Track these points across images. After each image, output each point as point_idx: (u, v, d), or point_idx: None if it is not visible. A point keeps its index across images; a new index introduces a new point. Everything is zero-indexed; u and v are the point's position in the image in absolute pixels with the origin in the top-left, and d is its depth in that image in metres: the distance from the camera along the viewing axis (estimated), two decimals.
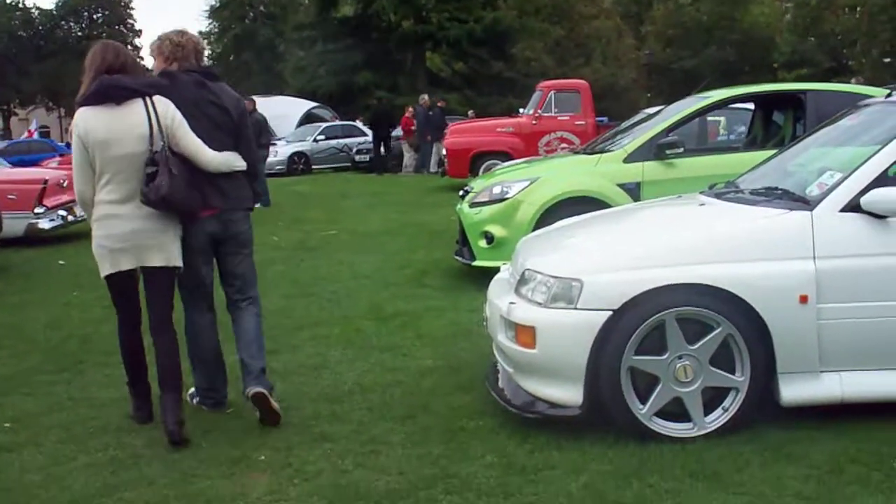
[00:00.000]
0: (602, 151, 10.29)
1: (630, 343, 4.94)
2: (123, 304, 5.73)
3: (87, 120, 5.38)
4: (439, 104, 30.25)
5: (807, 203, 5.23)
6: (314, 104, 42.94)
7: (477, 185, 10.73)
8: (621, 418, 5.01)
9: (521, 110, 24.65)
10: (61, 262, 7.29)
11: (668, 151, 9.57)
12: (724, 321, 4.94)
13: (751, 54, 60.85)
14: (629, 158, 9.71)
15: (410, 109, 29.81)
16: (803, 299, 4.95)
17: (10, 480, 4.97)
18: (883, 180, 5.11)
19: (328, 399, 6.06)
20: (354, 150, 32.83)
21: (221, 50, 72.75)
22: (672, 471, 4.64)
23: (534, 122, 21.70)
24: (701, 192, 6.35)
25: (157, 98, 5.44)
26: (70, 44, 62.69)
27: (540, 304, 5.19)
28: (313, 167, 32.87)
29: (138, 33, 76.31)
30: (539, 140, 21.37)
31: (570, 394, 5.07)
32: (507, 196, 9.84)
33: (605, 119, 27.00)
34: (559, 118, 21.75)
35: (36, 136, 43.10)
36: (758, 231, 5.20)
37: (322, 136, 34.50)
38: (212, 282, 5.92)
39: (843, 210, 5.09)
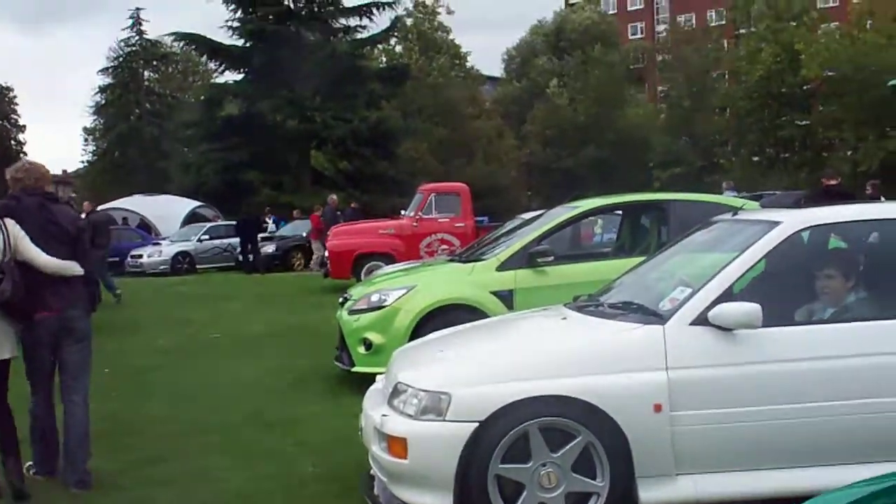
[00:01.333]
0: (476, 260, 10.72)
1: (496, 452, 5.19)
2: None
3: None
4: (353, 205, 30.73)
5: (660, 317, 5.62)
6: (199, 203, 42.96)
7: (356, 292, 11.04)
8: None
9: (402, 212, 25.08)
10: None
11: (539, 260, 10.07)
12: (584, 430, 5.24)
13: (627, 153, 62.43)
14: (502, 266, 10.15)
15: (319, 208, 30.05)
16: (657, 408, 5.30)
17: None
18: (728, 294, 5.54)
19: None
20: (237, 249, 32.94)
21: (106, 147, 72.09)
22: None
23: (415, 224, 22.09)
24: (565, 305, 6.72)
25: (7, 219, 6.55)
26: None
27: (411, 416, 5.43)
28: (198, 266, 32.81)
29: (22, 129, 75.44)
30: (420, 242, 21.75)
31: (441, 501, 5.30)
32: (385, 304, 10.14)
33: (485, 219, 27.56)
34: (439, 220, 22.19)
35: None
36: (614, 344, 5.58)
37: (206, 236, 34.46)
38: (52, 371, 6.89)
39: (692, 323, 5.47)
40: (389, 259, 20.14)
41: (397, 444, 5.40)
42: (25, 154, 69.31)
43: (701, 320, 5.46)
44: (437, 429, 5.32)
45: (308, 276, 27.26)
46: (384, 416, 5.61)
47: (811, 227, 6.01)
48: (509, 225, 14.82)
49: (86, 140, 76.60)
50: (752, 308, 5.34)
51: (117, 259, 33.66)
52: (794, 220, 5.93)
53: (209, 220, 39.14)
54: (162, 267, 32.21)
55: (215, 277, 29.48)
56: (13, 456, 6.56)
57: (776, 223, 5.89)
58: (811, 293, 6.03)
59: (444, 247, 21.19)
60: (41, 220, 6.78)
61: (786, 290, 6.12)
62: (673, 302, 5.78)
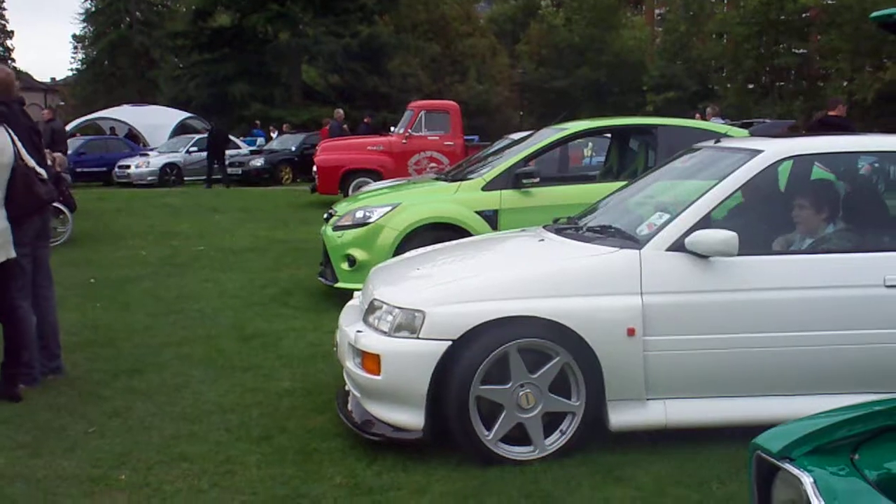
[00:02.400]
0: (463, 179, 10.68)
1: (477, 374, 5.25)
2: None
3: None
4: (366, 120, 30.17)
5: (636, 242, 5.64)
6: (188, 114, 42.66)
7: (341, 208, 11.00)
8: (468, 444, 5.35)
9: (392, 128, 24.96)
10: None
11: (524, 181, 10.03)
12: (562, 351, 5.31)
13: (621, 76, 62.06)
14: (488, 186, 10.11)
15: (328, 121, 29.81)
16: (630, 332, 5.36)
17: None
18: (706, 222, 5.58)
19: (188, 419, 6.29)
20: (227, 162, 32.79)
21: (95, 55, 71.36)
22: (509, 493, 5.01)
23: (404, 141, 22.02)
24: (543, 227, 6.76)
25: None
26: None
27: (385, 332, 5.49)
28: (185, 178, 32.69)
29: (10, 34, 74.64)
30: (409, 159, 21.71)
31: (412, 418, 5.37)
32: (370, 221, 10.14)
33: (475, 138, 27.46)
34: (429, 138, 22.12)
35: None
36: (590, 267, 5.58)
37: (195, 148, 34.23)
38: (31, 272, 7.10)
39: (669, 249, 5.51)
40: (377, 176, 20.10)
41: (371, 361, 5.45)
42: (13, 61, 68.66)
43: (678, 246, 5.49)
44: (410, 346, 5.36)
45: (296, 191, 27.21)
46: (359, 332, 5.65)
47: (792, 156, 6.02)
48: (498, 145, 14.73)
49: (75, 48, 75.98)
50: (728, 236, 5.35)
51: (104, 169, 33.64)
52: (775, 150, 5.91)
53: (198, 132, 38.89)
54: (150, 178, 32.07)
55: (203, 189, 29.36)
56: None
57: (757, 151, 5.88)
58: (790, 223, 6.06)
59: (433, 165, 21.15)
60: (27, 125, 7.09)
61: (764, 219, 6.16)
62: (651, 227, 5.80)
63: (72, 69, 76.84)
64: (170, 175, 32.61)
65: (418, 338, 5.35)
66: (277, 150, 33.55)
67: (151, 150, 35.58)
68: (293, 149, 32.76)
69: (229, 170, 31.55)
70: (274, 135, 38.05)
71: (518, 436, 5.40)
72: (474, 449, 5.35)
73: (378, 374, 5.40)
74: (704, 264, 5.47)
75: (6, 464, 5.52)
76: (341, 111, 29.60)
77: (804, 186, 6.21)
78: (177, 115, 42.06)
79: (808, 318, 5.50)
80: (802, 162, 6.19)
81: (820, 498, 2.61)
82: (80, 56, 75.65)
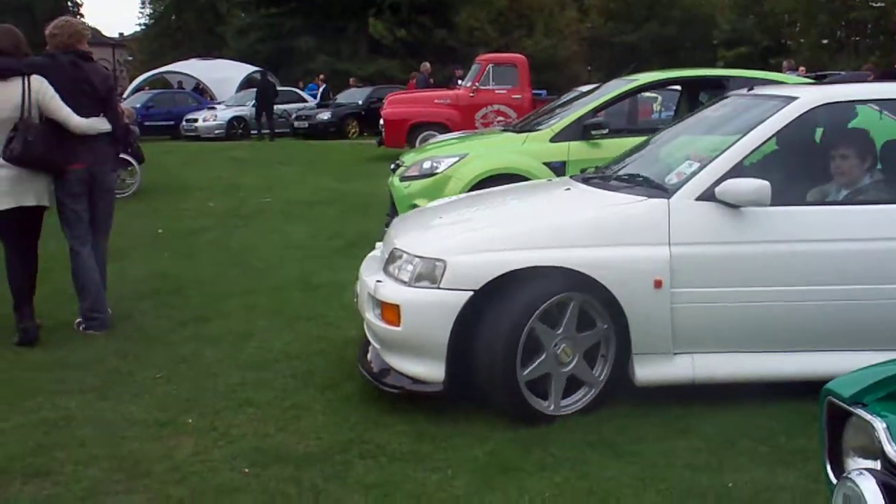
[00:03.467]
0: (530, 130, 10.57)
1: (539, 311, 5.11)
2: (8, 238, 7.03)
3: None
4: (457, 73, 29.05)
5: (665, 191, 5.44)
6: (255, 68, 42.80)
7: (408, 159, 10.96)
8: (501, 380, 5.15)
9: (459, 81, 24.81)
10: None
11: (593, 132, 9.90)
12: (582, 297, 5.20)
13: (691, 31, 61.36)
14: (556, 138, 10.00)
15: (415, 74, 29.66)
16: (658, 283, 5.19)
17: None
18: (738, 171, 5.36)
19: (254, 366, 6.31)
20: (294, 115, 32.86)
21: (163, 10, 71.79)
22: (572, 441, 4.95)
23: (471, 94, 21.89)
24: (571, 176, 6.59)
25: (33, 77, 6.83)
26: (9, 2, 61.50)
27: (405, 282, 5.33)
28: (251, 132, 32.86)
29: None
30: (476, 113, 21.59)
31: (432, 371, 5.23)
32: (437, 171, 10.09)
33: (543, 93, 27.17)
34: (496, 91, 21.98)
35: None
36: (616, 216, 5.39)
37: None
38: (88, 220, 7.24)
39: (698, 199, 5.31)
40: (444, 129, 20.00)
41: (390, 311, 5.30)
42: (82, 16, 69.21)
43: (707, 196, 5.31)
44: (430, 296, 5.20)
45: (362, 145, 27.20)
46: (378, 281, 5.51)
47: (828, 104, 5.76)
48: (566, 97, 14.57)
49: (143, 3, 76.52)
50: (761, 185, 5.15)
51: (172, 123, 33.89)
52: (811, 97, 5.69)
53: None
54: (217, 131, 32.23)
55: (270, 143, 29.46)
56: (28, 304, 7.02)
57: (792, 98, 5.67)
58: (825, 173, 5.83)
59: (500, 118, 21.02)
60: (73, 78, 7.09)
61: (799, 168, 5.94)
62: (679, 176, 5.61)
63: (139, 24, 77.53)
64: (237, 128, 32.72)
65: (439, 287, 5.18)
66: (344, 103, 33.49)
67: (218, 103, 35.78)
68: (360, 102, 32.71)
69: (296, 123, 31.69)
70: (320, 87, 37.92)
71: (536, 387, 5.30)
72: (505, 388, 5.17)
73: (398, 325, 5.25)
74: (735, 214, 5.28)
75: (76, 407, 5.58)
76: (427, 64, 29.17)
77: (842, 135, 5.96)
78: (244, 69, 42.18)
79: (843, 272, 5.31)
80: (838, 109, 5.91)
81: (892, 443, 2.55)
82: (147, 11, 76.39)
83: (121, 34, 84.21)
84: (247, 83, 39.83)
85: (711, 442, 4.97)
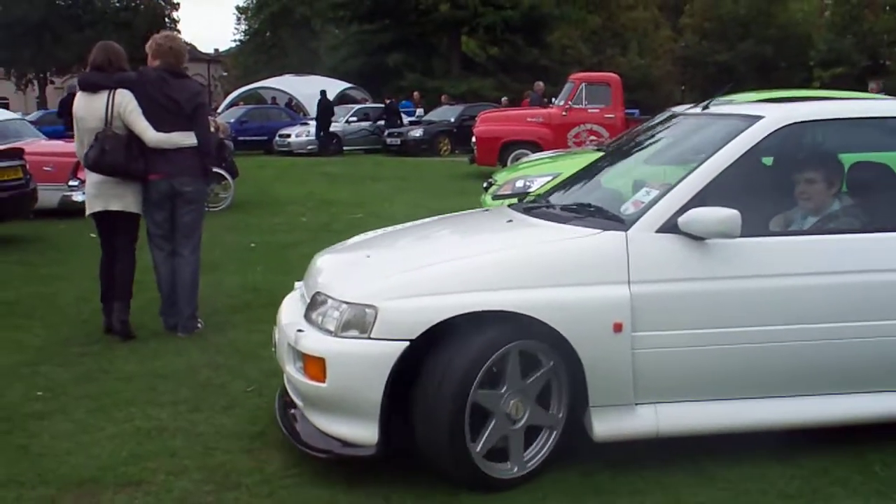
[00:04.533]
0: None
1: (480, 375, 4.52)
2: (102, 237, 7.64)
3: (77, 101, 7.54)
4: (538, 88, 29.06)
5: (621, 222, 4.88)
6: (348, 84, 43.21)
7: (500, 177, 10.95)
8: (453, 459, 4.58)
9: (552, 100, 24.75)
10: (92, 235, 7.60)
11: None
12: (552, 354, 4.68)
13: (787, 51, 60.52)
14: (651, 159, 9.85)
15: (529, 94, 29.75)
16: (617, 327, 4.63)
17: (41, 447, 5.21)
18: (701, 199, 4.84)
19: None
20: (386, 132, 33.06)
21: (258, 26, 72.88)
22: (663, 463, 4.87)
23: (564, 113, 21.84)
24: (510, 206, 6.04)
25: (118, 91, 7.36)
26: (108, 14, 62.75)
27: (331, 332, 4.70)
28: (345, 148, 33.11)
29: (176, 6, 76.42)
30: (568, 132, 21.51)
31: (364, 432, 4.61)
32: (530, 190, 9.97)
33: (636, 112, 27.04)
34: (589, 111, 21.89)
35: None
36: (568, 252, 4.82)
37: (354, 118, 34.72)
38: (169, 229, 7.59)
39: (660, 230, 4.78)
40: (536, 147, 20.00)
41: (314, 365, 4.67)
42: (179, 32, 70.46)
43: (669, 227, 4.76)
44: (360, 347, 4.55)
45: (454, 162, 27.23)
46: (300, 331, 4.87)
47: (796, 123, 5.24)
48: (659, 118, 14.39)
49: (238, 19, 77.74)
50: (730, 214, 4.64)
51: (265, 138, 34.32)
52: (777, 116, 5.18)
53: (357, 102, 39.31)
54: (310, 147, 32.58)
55: (362, 159, 29.68)
56: (125, 301, 7.50)
57: (757, 118, 5.16)
58: (789, 200, 5.40)
59: (593, 138, 20.91)
60: (158, 94, 7.45)
61: (765, 194, 5.41)
62: (637, 205, 5.03)
63: (235, 40, 78.80)
64: (330, 144, 33.00)
65: (370, 338, 4.54)
66: (436, 121, 33.64)
67: (311, 119, 36.14)
68: (451, 120, 32.83)
69: (388, 140, 31.89)
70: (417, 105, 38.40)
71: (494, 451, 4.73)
72: (458, 465, 4.60)
73: (323, 381, 4.62)
74: (701, 247, 4.75)
75: (168, 417, 5.62)
76: (541, 84, 29.18)
77: (810, 157, 5.52)
78: (337, 85, 42.58)
79: (822, 308, 4.86)
80: (806, 129, 5.47)
81: None
82: (242, 27, 77.54)
83: (216, 50, 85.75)
84: (340, 99, 40.21)
85: (804, 469, 4.83)
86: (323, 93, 33.45)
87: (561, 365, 4.71)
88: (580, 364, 4.64)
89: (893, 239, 5.04)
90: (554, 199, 5.81)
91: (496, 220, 5.78)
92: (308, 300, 5.12)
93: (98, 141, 7.30)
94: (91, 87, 7.44)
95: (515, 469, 4.71)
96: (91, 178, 7.50)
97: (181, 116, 7.47)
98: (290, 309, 5.41)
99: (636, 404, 4.78)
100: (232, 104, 41.28)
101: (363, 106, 37.42)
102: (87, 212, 7.57)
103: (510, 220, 5.53)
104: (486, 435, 4.61)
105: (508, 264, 4.76)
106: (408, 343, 4.49)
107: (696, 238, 4.72)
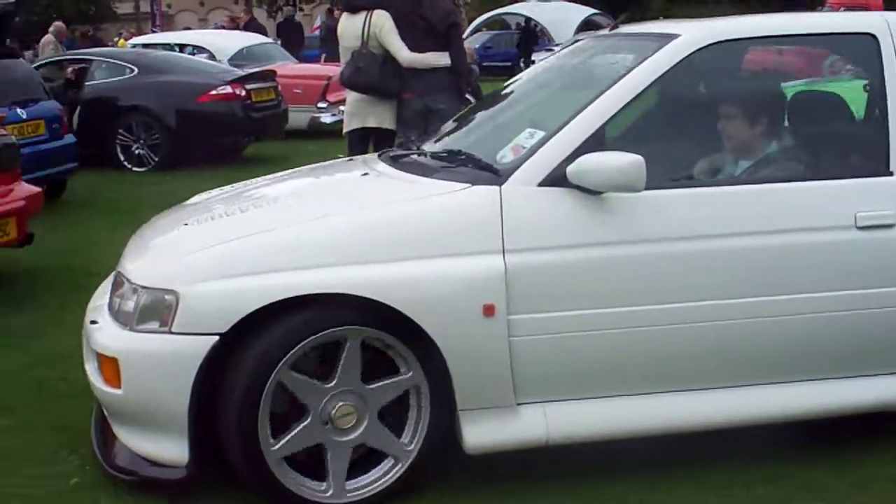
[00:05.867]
0: None
1: (290, 356, 3.71)
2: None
3: (340, 21, 8.21)
4: None
5: (496, 173, 3.94)
6: (593, 10, 42.48)
7: None
8: (243, 457, 3.79)
9: None
10: (339, 156, 7.77)
11: None
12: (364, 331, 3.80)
13: None
14: None
15: None
16: (488, 310, 3.73)
17: None
18: (598, 142, 3.90)
19: None
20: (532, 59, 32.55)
21: None
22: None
23: None
24: (379, 155, 5.01)
25: (376, 11, 7.72)
26: None
27: (125, 324, 3.84)
28: None
29: None
30: (823, 61, 20.39)
31: (172, 449, 3.77)
32: None
33: None
34: None
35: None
36: (424, 215, 3.88)
37: None
38: None
39: (543, 183, 3.84)
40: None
41: (108, 367, 3.85)
42: None
43: (556, 179, 3.82)
44: (159, 344, 3.70)
45: None
46: (93, 322, 4.06)
47: (720, 42, 4.23)
48: (566, 43, 13.51)
49: None
50: (632, 161, 3.70)
51: (509, 64, 34.29)
52: (695, 34, 4.21)
53: (602, 28, 38.73)
54: None
55: None
56: None
57: (670, 37, 4.19)
58: (717, 141, 4.43)
59: (849, 67, 19.73)
60: (410, 13, 7.81)
61: (682, 136, 4.51)
62: (517, 151, 4.09)
63: None
64: None
65: (171, 332, 3.68)
66: None
67: (556, 45, 35.78)
68: None
69: None
70: None
71: (307, 461, 3.93)
72: (250, 467, 3.79)
73: (118, 387, 3.77)
74: (596, 204, 3.82)
75: None
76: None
77: (734, 85, 4.66)
78: (582, 11, 41.96)
79: (748, 280, 3.95)
80: (732, 50, 4.48)
81: None
82: None
83: None
84: (585, 25, 39.64)
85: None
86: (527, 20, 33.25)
87: (421, 373, 3.82)
88: (443, 362, 3.76)
89: (841, 188, 4.09)
90: (430, 144, 4.84)
91: (349, 174, 4.81)
92: (111, 283, 4.22)
93: (353, 59, 7.74)
94: (351, 8, 7.89)
95: (330, 493, 3.84)
96: (350, 96, 8.08)
97: (435, 36, 7.75)
98: (102, 292, 4.49)
99: (518, 405, 3.88)
100: (476, 30, 41.37)
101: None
102: (345, 129, 8.15)
103: (365, 174, 4.57)
104: (292, 434, 3.78)
105: (343, 233, 3.86)
106: (217, 338, 3.64)
107: (591, 192, 3.80)
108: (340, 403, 3.79)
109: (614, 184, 3.73)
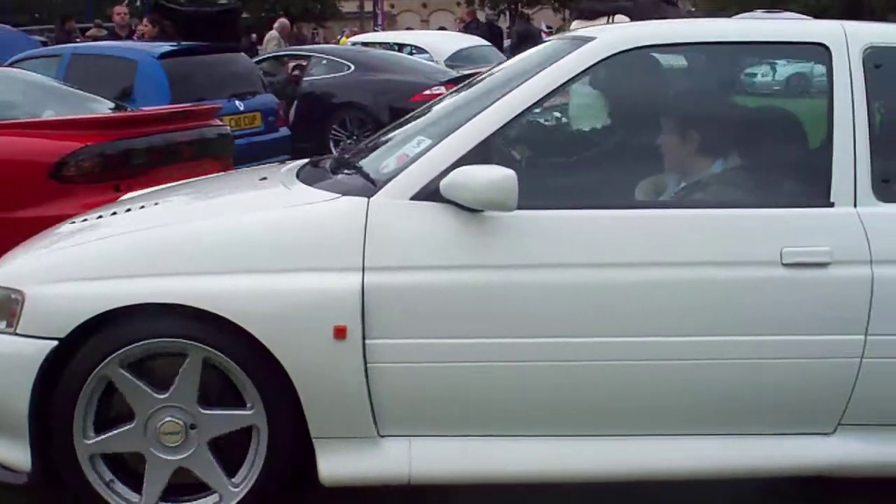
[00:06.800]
0: None
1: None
2: None
3: (572, 26, 7.57)
4: None
5: (372, 184, 3.56)
6: None
7: None
8: (59, 446, 3.54)
9: None
10: None
11: None
12: (203, 349, 3.44)
13: None
14: None
15: None
16: (339, 332, 3.35)
17: None
18: (483, 153, 3.46)
19: None
20: None
21: None
22: None
23: None
24: (309, 161, 4.50)
25: (617, 16, 7.07)
26: None
27: None
28: None
29: None
30: None
31: (16, 454, 3.56)
32: None
33: None
34: None
35: None
36: (282, 226, 3.53)
37: None
38: None
39: (416, 197, 3.44)
40: None
41: None
42: None
43: (431, 193, 3.42)
44: (3, 346, 3.51)
45: None
46: None
47: (639, 48, 3.73)
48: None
49: None
50: (501, 175, 3.27)
51: None
52: (611, 38, 3.74)
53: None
54: None
55: None
56: None
57: (583, 41, 3.73)
58: (631, 160, 3.96)
59: None
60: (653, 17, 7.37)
61: (587, 152, 4.19)
62: (401, 161, 3.71)
63: None
64: None
65: (16, 333, 3.48)
66: None
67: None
68: None
69: None
70: None
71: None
72: (60, 455, 3.55)
73: None
74: (472, 223, 3.39)
75: None
76: None
77: (656, 96, 4.09)
78: None
79: (644, 317, 3.43)
80: (654, 57, 4.02)
81: None
82: None
83: None
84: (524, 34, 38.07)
85: None
86: None
87: (262, 412, 3.47)
88: (287, 380, 3.41)
89: (769, 219, 3.50)
90: (353, 153, 4.30)
91: (249, 179, 4.49)
92: None
93: None
94: (589, 14, 7.54)
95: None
96: None
97: None
98: None
99: (383, 437, 3.52)
100: None
101: None
102: None
103: (264, 178, 4.25)
104: (111, 433, 3.52)
105: (197, 240, 3.55)
106: (56, 343, 3.40)
107: (468, 209, 3.37)
108: (168, 419, 3.50)
109: (482, 200, 3.31)
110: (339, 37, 31.85)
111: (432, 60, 16.69)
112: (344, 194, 3.53)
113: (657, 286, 3.41)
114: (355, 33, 29.53)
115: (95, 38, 16.48)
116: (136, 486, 3.57)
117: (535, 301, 3.40)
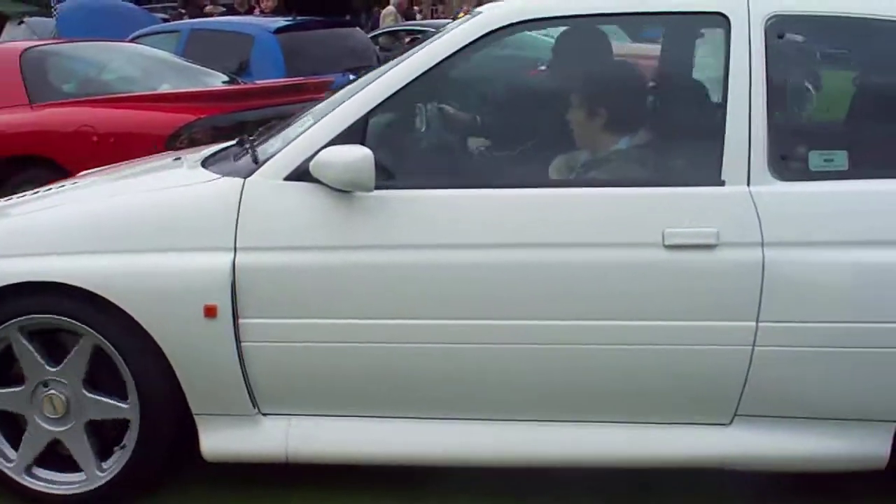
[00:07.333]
0: None
1: (16, 322, 3.59)
2: None
3: None
4: None
5: (256, 165, 3.55)
6: None
7: None
8: None
9: None
10: None
11: None
12: (91, 333, 3.52)
13: None
14: None
15: None
16: (210, 311, 3.38)
17: None
18: (357, 133, 3.40)
19: None
20: None
21: None
22: None
23: None
24: (238, 140, 4.34)
25: None
26: None
27: None
28: None
29: None
30: None
31: None
32: None
33: None
34: None
35: None
36: (163, 205, 3.58)
37: None
38: None
39: (290, 177, 3.43)
40: None
41: None
42: None
43: (303, 173, 3.40)
44: None
45: None
46: None
47: (525, 21, 3.55)
48: None
49: None
50: (359, 155, 3.26)
51: None
52: (496, 12, 3.57)
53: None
54: None
55: None
56: None
57: (474, 16, 3.62)
58: (562, 135, 3.75)
59: None
60: None
61: (470, 130, 4.10)
62: (285, 142, 3.69)
63: None
64: None
65: None
66: None
67: None
68: None
69: None
70: None
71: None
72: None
73: None
74: (343, 203, 3.37)
75: None
76: None
77: (552, 71, 4.03)
78: None
79: (517, 299, 3.33)
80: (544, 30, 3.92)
81: None
82: None
83: None
84: None
85: None
86: None
87: (136, 407, 3.55)
88: (161, 357, 3.48)
89: (652, 198, 3.35)
90: (265, 136, 4.12)
91: (163, 160, 4.55)
92: None
93: None
94: None
95: (12, 465, 3.70)
96: None
97: None
98: None
99: (265, 415, 3.58)
100: None
101: None
102: None
103: (177, 159, 4.33)
104: (2, 391, 3.67)
105: (83, 221, 3.63)
106: None
107: (336, 189, 3.35)
108: (51, 391, 3.60)
109: (343, 180, 3.29)
110: (456, 12, 31.91)
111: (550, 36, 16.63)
112: (226, 175, 3.57)
113: (525, 267, 3.33)
114: (470, 10, 29.54)
115: (211, 15, 16.74)
116: (48, 462, 3.71)
117: (395, 282, 3.37)
